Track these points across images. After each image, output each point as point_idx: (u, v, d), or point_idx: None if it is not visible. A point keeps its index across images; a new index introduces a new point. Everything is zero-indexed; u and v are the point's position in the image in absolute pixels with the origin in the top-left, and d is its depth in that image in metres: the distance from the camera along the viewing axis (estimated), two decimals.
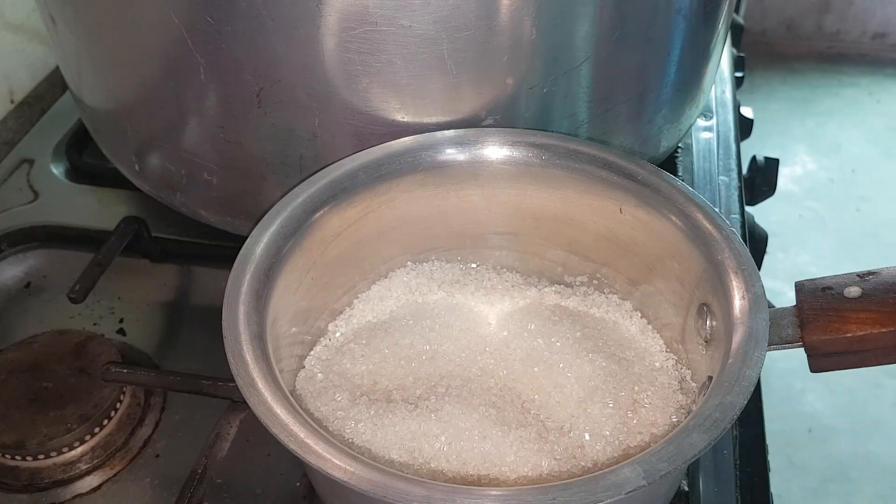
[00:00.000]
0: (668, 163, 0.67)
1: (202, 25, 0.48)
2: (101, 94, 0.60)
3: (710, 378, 0.42)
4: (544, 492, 0.35)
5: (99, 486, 0.50)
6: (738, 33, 0.96)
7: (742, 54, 0.93)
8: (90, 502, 0.50)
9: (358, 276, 0.53)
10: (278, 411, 0.38)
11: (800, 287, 0.44)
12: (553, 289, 0.54)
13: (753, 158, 0.84)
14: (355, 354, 0.49)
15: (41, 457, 0.50)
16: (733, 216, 0.66)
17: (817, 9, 2.25)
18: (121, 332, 0.60)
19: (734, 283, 0.43)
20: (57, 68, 0.82)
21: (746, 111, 0.85)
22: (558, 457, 0.43)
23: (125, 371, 0.52)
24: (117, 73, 0.57)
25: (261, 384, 0.39)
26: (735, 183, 0.68)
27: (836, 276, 0.44)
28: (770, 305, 0.43)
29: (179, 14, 0.49)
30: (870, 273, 0.43)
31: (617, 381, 0.47)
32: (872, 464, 1.39)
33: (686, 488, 0.49)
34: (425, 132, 0.51)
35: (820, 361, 0.43)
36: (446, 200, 0.53)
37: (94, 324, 0.60)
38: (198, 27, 0.49)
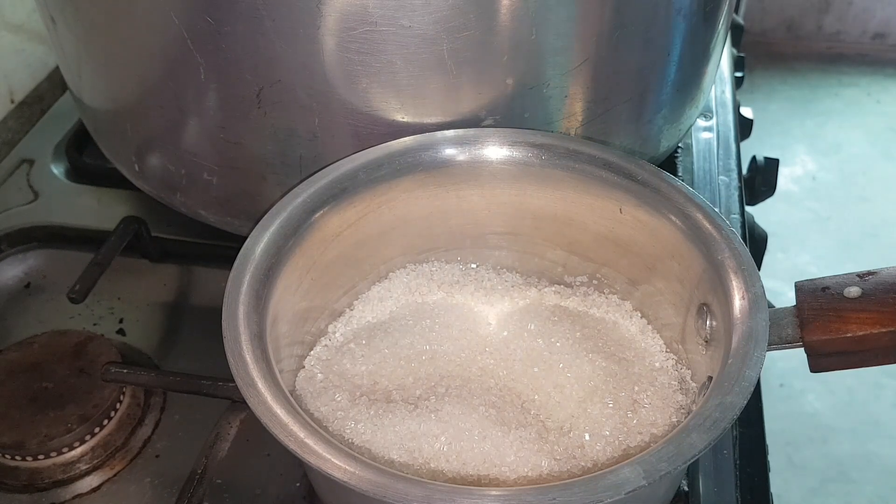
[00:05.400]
0: (668, 163, 0.67)
1: (202, 25, 0.48)
2: (101, 94, 0.60)
3: (710, 378, 0.42)
4: (544, 492, 0.35)
5: (99, 486, 0.50)
6: (738, 33, 0.96)
7: (742, 54, 0.93)
8: (90, 502, 0.50)
9: (358, 277, 0.53)
10: (278, 411, 0.38)
11: (800, 287, 0.44)
12: (553, 289, 0.54)
13: (753, 158, 0.84)
14: (355, 355, 0.49)
15: (41, 457, 0.50)
16: (733, 216, 0.66)
17: (817, 9, 2.25)
18: (121, 332, 0.60)
19: (734, 283, 0.43)
20: (57, 68, 0.81)
21: (746, 111, 0.85)
22: (558, 457, 0.43)
23: (125, 371, 0.52)
24: (117, 73, 0.57)
25: (261, 384, 0.39)
26: (735, 183, 0.68)
27: (836, 276, 0.44)
28: (770, 305, 0.43)
29: (179, 14, 0.49)
30: (870, 273, 0.43)
31: (617, 381, 0.47)
32: (872, 464, 1.39)
33: (686, 488, 0.49)
34: (425, 132, 0.51)
35: (820, 361, 0.43)
36: (446, 200, 0.53)
37: (94, 324, 0.60)
38: (198, 27, 0.49)
